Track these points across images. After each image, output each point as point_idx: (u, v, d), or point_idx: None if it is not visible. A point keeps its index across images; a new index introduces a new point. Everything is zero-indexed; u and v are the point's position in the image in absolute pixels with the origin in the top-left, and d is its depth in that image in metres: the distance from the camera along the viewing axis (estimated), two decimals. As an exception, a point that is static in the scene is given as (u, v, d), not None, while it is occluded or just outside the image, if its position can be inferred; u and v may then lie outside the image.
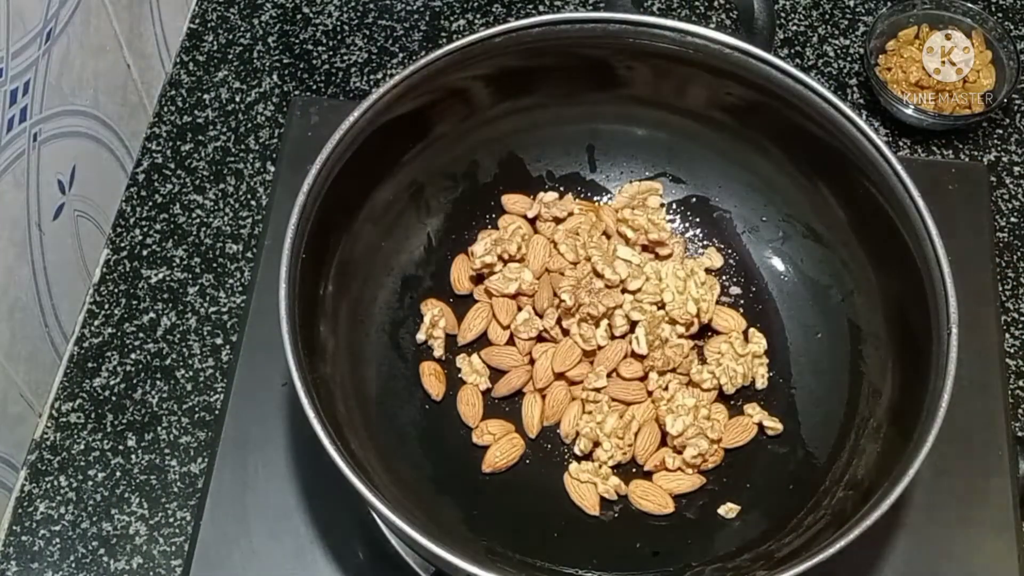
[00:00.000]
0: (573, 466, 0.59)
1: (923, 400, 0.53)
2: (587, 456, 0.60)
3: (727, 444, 0.60)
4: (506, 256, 0.64)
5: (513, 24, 0.60)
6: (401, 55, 0.82)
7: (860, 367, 0.60)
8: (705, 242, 0.67)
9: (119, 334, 0.71)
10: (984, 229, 0.71)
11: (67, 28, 0.65)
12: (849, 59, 0.82)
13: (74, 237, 0.70)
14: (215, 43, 0.83)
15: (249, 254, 0.74)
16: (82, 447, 0.67)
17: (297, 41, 0.83)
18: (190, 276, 0.73)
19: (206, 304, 0.72)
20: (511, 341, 0.64)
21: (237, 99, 0.80)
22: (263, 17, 0.84)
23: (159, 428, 0.68)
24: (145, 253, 0.74)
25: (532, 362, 0.63)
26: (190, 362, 0.70)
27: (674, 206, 0.68)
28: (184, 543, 0.64)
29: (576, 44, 0.62)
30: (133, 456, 0.67)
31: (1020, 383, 0.70)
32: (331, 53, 0.82)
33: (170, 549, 0.64)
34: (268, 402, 0.64)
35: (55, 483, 0.66)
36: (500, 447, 0.60)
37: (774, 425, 0.61)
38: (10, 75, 0.59)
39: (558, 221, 0.66)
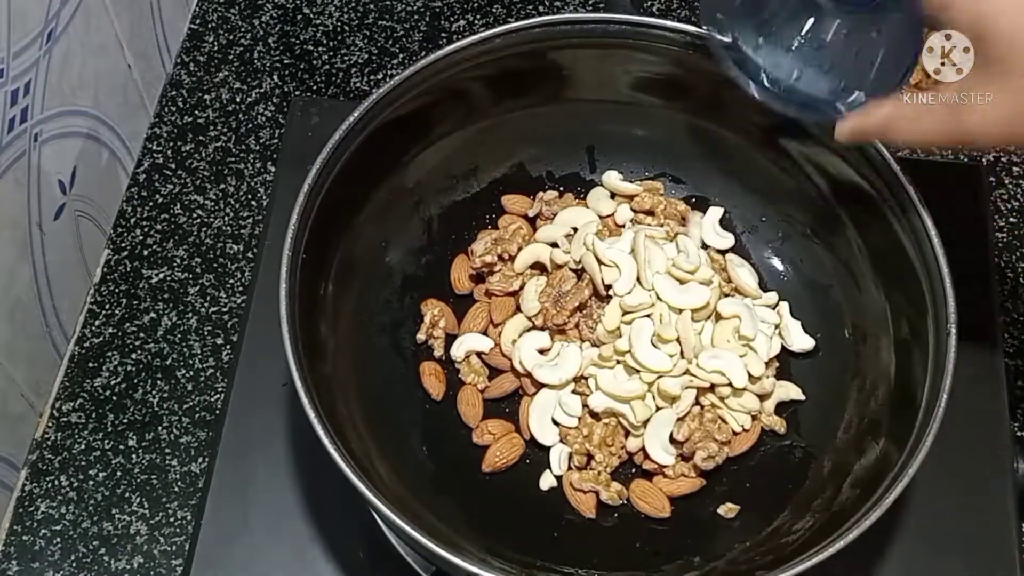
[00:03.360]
0: (575, 476, 0.59)
1: (923, 400, 0.53)
2: (586, 465, 0.60)
3: (734, 452, 0.60)
4: (506, 256, 0.64)
5: (513, 25, 0.60)
6: (401, 56, 0.82)
7: (860, 367, 0.60)
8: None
9: (120, 334, 0.71)
10: (983, 229, 0.71)
11: (68, 28, 0.65)
12: (849, 59, 0.82)
13: (75, 237, 0.71)
14: (216, 43, 0.83)
15: (250, 254, 0.74)
16: (83, 447, 0.67)
17: (298, 42, 0.83)
18: (191, 276, 0.73)
19: (207, 304, 0.72)
20: (511, 341, 0.64)
21: (238, 99, 0.80)
22: (264, 18, 0.84)
23: (160, 428, 0.68)
24: (146, 253, 0.74)
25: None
26: (191, 362, 0.70)
27: (674, 206, 0.68)
28: (185, 542, 0.64)
29: (576, 45, 0.62)
30: (134, 456, 0.67)
31: (1020, 383, 0.70)
32: (331, 54, 0.82)
33: (171, 548, 0.64)
34: (269, 402, 0.64)
35: (56, 483, 0.66)
36: (500, 447, 0.60)
37: (775, 425, 0.61)
38: (11, 75, 0.59)
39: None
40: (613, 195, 0.67)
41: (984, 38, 0.47)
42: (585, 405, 0.60)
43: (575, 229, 0.65)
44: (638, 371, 0.59)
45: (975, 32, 0.48)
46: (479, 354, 0.63)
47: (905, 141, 0.55)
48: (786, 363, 0.63)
